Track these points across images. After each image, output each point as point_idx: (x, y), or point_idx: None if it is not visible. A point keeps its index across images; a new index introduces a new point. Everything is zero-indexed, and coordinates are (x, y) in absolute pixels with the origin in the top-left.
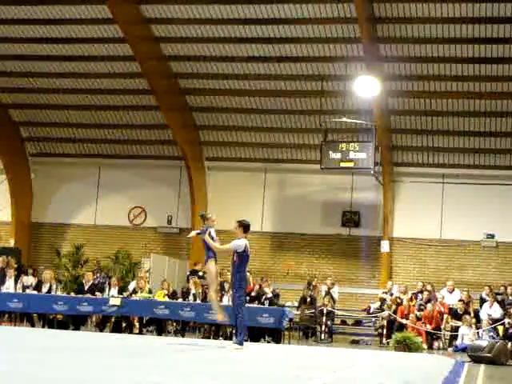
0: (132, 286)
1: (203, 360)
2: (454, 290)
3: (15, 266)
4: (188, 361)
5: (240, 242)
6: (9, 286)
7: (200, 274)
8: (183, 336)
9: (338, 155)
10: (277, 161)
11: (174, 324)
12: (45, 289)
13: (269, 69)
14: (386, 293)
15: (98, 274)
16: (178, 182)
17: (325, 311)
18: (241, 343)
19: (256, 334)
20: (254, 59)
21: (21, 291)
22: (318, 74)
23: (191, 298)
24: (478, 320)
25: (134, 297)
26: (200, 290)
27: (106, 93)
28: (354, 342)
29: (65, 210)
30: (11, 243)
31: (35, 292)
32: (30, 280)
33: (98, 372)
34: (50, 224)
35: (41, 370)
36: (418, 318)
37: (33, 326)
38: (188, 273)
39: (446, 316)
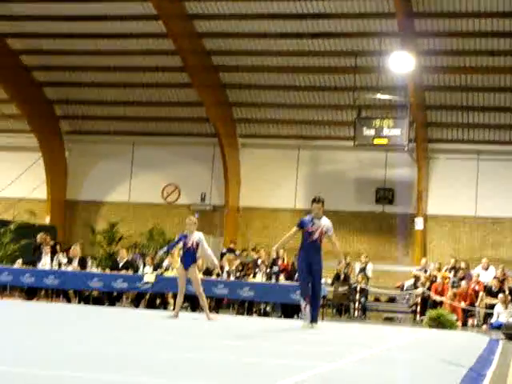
0: (166, 263)
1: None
2: (488, 267)
3: (51, 243)
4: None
5: (330, 223)
6: (45, 262)
7: (237, 252)
8: (217, 312)
9: (371, 132)
10: (310, 138)
11: (208, 300)
12: (75, 263)
13: (302, 45)
14: (420, 270)
15: (134, 252)
16: (212, 159)
17: (358, 288)
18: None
19: (290, 311)
20: (287, 35)
21: (57, 268)
22: (351, 49)
23: (225, 275)
24: None
25: (167, 274)
26: (234, 267)
27: (139, 70)
28: (388, 319)
29: (99, 187)
30: (47, 221)
31: (71, 269)
32: (65, 257)
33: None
34: (85, 201)
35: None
36: (453, 296)
37: (69, 302)
38: (223, 250)
39: (480, 293)
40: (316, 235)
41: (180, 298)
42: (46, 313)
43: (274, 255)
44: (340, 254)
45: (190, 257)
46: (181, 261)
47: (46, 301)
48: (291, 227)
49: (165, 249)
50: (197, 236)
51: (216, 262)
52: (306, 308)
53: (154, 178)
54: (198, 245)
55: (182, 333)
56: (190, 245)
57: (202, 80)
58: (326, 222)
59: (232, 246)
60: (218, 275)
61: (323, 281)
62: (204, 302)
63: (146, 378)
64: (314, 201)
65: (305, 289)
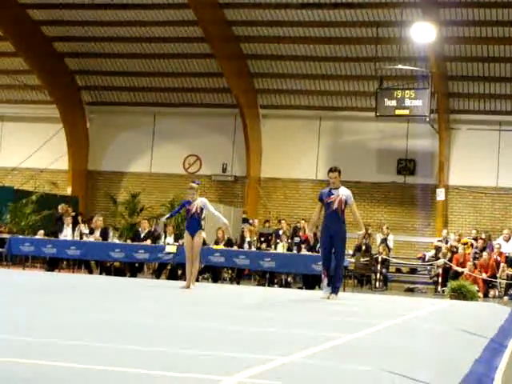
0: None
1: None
2: (510, 238)
3: (73, 213)
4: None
5: (350, 192)
6: (66, 233)
7: (250, 221)
8: (238, 283)
9: (393, 102)
10: (331, 108)
11: (229, 271)
12: (96, 234)
13: (323, 15)
14: (441, 241)
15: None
16: (233, 130)
17: (380, 259)
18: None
19: (311, 281)
20: (308, 6)
21: (78, 239)
22: (373, 20)
23: (246, 245)
24: None
25: None
26: (255, 238)
27: (160, 41)
28: (409, 290)
29: (120, 158)
30: (68, 191)
31: (92, 240)
32: (86, 228)
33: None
34: (106, 172)
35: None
36: (474, 267)
37: (90, 272)
38: (242, 221)
39: (502, 264)
40: (335, 205)
41: (189, 267)
42: (68, 282)
43: (311, 235)
44: (360, 224)
45: (194, 223)
46: (186, 228)
47: (67, 272)
48: (313, 198)
49: (167, 215)
50: (200, 202)
51: (226, 221)
52: (324, 279)
53: (176, 148)
54: (202, 210)
55: (199, 302)
56: (193, 211)
57: (223, 50)
58: (344, 192)
59: (245, 216)
60: (228, 242)
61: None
62: (195, 269)
63: (148, 347)
64: (330, 170)
65: (325, 261)
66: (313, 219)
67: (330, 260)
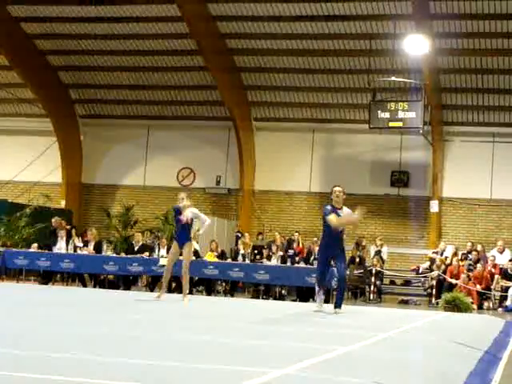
0: None
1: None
2: (504, 250)
3: (67, 227)
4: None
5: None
6: (60, 246)
7: (239, 234)
8: (232, 296)
9: (386, 115)
10: (325, 121)
11: (223, 284)
12: (90, 247)
13: (316, 28)
14: (436, 253)
15: (149, 236)
16: (227, 142)
17: (374, 271)
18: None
19: (305, 294)
20: (301, 18)
21: (72, 252)
22: (366, 32)
23: (240, 258)
24: None
25: None
26: (249, 251)
27: (154, 54)
28: (403, 302)
29: (114, 171)
30: (62, 204)
31: (86, 253)
32: (80, 241)
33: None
34: (100, 185)
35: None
36: (468, 279)
37: (84, 286)
38: (236, 233)
39: (496, 276)
40: (340, 228)
41: (167, 277)
42: (62, 296)
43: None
44: (342, 223)
45: (184, 233)
46: (175, 239)
47: (61, 284)
48: (306, 210)
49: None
50: (191, 212)
51: (208, 220)
52: (319, 293)
53: (169, 161)
54: (192, 221)
55: (193, 315)
56: (184, 221)
57: (216, 63)
58: (348, 212)
59: (239, 229)
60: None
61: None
62: (186, 283)
63: (154, 360)
64: (336, 185)
65: (322, 275)
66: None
67: (326, 274)
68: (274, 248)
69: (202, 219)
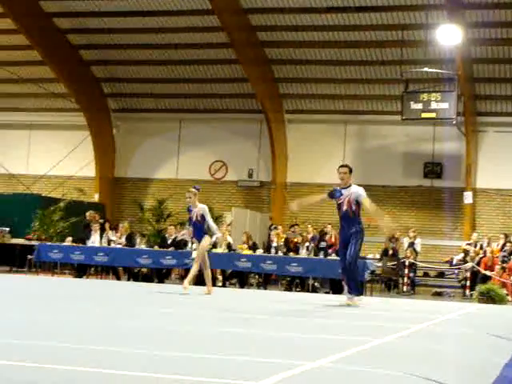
0: (214, 239)
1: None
2: None
3: (100, 220)
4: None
5: (361, 189)
6: (94, 240)
7: (274, 227)
8: (265, 288)
9: (419, 106)
10: (357, 112)
11: (256, 277)
12: (123, 241)
13: (348, 19)
14: (470, 244)
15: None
16: (259, 135)
17: (407, 263)
18: (360, 293)
19: (338, 286)
20: (332, 10)
21: (106, 245)
22: (398, 23)
23: (273, 250)
24: None
25: (215, 250)
26: (282, 243)
27: (185, 47)
28: (437, 294)
29: (147, 164)
30: (95, 198)
31: (120, 246)
32: (114, 235)
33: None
34: (133, 179)
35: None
36: (503, 270)
37: (118, 279)
38: (269, 226)
39: None
40: (345, 207)
41: (205, 273)
42: (96, 289)
43: (293, 208)
44: (377, 214)
45: (198, 231)
46: (194, 237)
47: (95, 278)
48: None
49: (188, 228)
50: (200, 208)
51: (217, 232)
52: (345, 286)
53: (202, 154)
54: (202, 217)
55: (226, 308)
56: (194, 219)
57: (247, 56)
58: (354, 190)
59: (271, 222)
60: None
61: (371, 255)
62: (194, 272)
63: (180, 353)
64: (340, 166)
65: (343, 269)
66: (306, 199)
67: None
68: (303, 240)
69: (207, 220)
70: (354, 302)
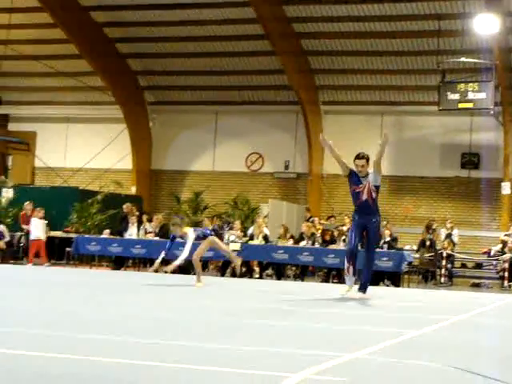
0: (251, 230)
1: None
2: None
3: (137, 213)
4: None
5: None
6: (132, 232)
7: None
8: (302, 280)
9: (456, 96)
10: (393, 103)
11: (293, 268)
12: (160, 233)
13: (384, 9)
14: (508, 235)
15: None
16: (295, 126)
17: (444, 254)
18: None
19: (375, 277)
20: (368, 0)
21: (143, 237)
22: (434, 12)
23: (309, 242)
24: None
25: (252, 242)
26: (319, 234)
27: (221, 39)
28: (475, 286)
29: (183, 157)
30: (133, 191)
31: (157, 238)
32: (151, 227)
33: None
34: (170, 171)
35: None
36: None
37: (156, 271)
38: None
39: None
40: (364, 196)
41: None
42: (135, 281)
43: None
44: (383, 148)
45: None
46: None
47: (133, 270)
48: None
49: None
50: (189, 234)
51: (182, 259)
52: (349, 270)
53: (238, 146)
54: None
55: (263, 299)
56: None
57: (283, 47)
58: (371, 177)
59: (308, 213)
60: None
61: (408, 247)
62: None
63: (221, 344)
64: (356, 157)
65: (351, 251)
66: (334, 150)
67: (356, 252)
68: (339, 233)
69: (184, 251)
70: (364, 296)
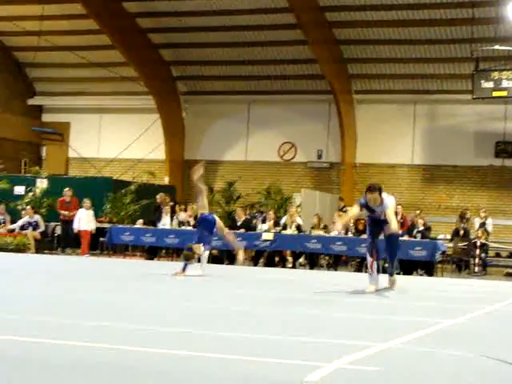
0: (283, 220)
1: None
2: None
3: (171, 203)
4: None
5: (389, 200)
6: (165, 222)
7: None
8: (335, 270)
9: (490, 84)
10: (426, 92)
11: (327, 258)
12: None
13: None
14: None
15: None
16: (328, 116)
17: (478, 244)
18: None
19: (408, 267)
20: None
21: (176, 227)
22: (468, 0)
23: (343, 231)
24: None
25: (285, 232)
26: (352, 224)
27: (253, 29)
28: (509, 275)
29: (216, 146)
30: (166, 181)
31: (190, 228)
32: (184, 216)
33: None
34: (202, 161)
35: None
36: None
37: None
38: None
39: None
40: (382, 217)
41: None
42: (168, 271)
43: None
44: (392, 224)
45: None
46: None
47: (166, 260)
48: (409, 183)
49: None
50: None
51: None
52: (373, 266)
53: (271, 136)
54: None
55: (295, 289)
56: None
57: (316, 37)
58: (384, 204)
59: (341, 202)
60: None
61: (441, 236)
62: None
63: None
64: (368, 190)
65: (370, 244)
66: (345, 220)
67: (377, 244)
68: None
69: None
70: (395, 282)
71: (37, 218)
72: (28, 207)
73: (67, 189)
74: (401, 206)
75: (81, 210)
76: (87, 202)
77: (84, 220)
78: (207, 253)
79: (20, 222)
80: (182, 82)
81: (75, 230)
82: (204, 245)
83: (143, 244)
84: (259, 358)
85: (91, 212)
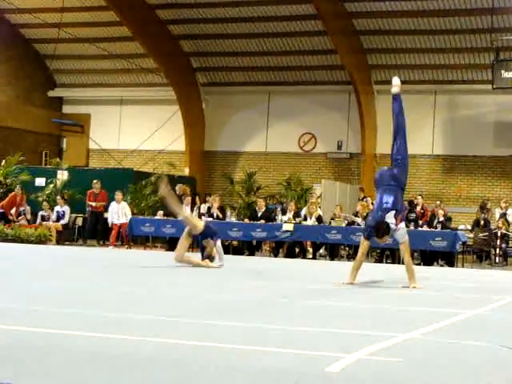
0: (304, 211)
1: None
2: None
3: (190, 194)
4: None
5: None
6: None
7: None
8: None
9: (510, 74)
10: (446, 82)
11: (347, 248)
12: (214, 214)
13: None
14: None
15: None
16: (347, 106)
17: (499, 234)
18: None
19: (429, 257)
20: None
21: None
22: None
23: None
24: None
25: (305, 223)
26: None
27: (273, 20)
28: None
29: (236, 138)
30: (186, 172)
31: (210, 219)
32: (205, 208)
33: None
34: (223, 152)
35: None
36: None
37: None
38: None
39: None
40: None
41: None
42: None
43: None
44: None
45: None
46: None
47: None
48: (429, 173)
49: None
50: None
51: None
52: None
53: (290, 127)
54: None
55: (316, 280)
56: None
57: (336, 27)
58: (395, 236)
59: (361, 193)
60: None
61: (462, 226)
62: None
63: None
64: (377, 235)
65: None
66: (357, 263)
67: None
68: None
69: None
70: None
71: (66, 208)
72: (58, 197)
73: (95, 181)
74: (421, 196)
75: (113, 202)
76: (119, 194)
77: (115, 213)
78: (219, 242)
79: (54, 212)
80: (202, 73)
81: (109, 224)
82: (212, 238)
83: (164, 235)
84: (278, 349)
85: (124, 205)
